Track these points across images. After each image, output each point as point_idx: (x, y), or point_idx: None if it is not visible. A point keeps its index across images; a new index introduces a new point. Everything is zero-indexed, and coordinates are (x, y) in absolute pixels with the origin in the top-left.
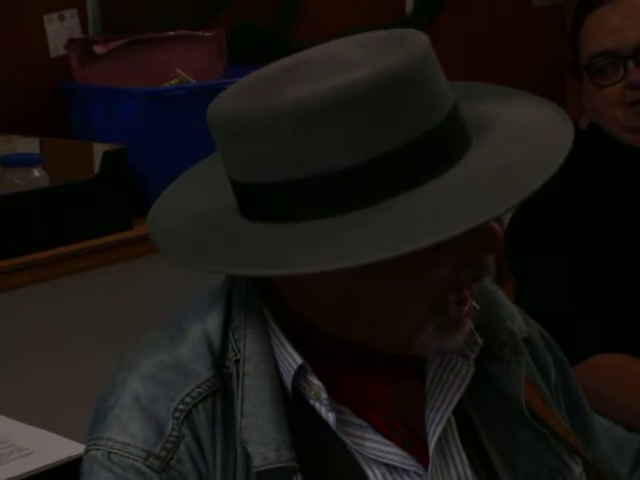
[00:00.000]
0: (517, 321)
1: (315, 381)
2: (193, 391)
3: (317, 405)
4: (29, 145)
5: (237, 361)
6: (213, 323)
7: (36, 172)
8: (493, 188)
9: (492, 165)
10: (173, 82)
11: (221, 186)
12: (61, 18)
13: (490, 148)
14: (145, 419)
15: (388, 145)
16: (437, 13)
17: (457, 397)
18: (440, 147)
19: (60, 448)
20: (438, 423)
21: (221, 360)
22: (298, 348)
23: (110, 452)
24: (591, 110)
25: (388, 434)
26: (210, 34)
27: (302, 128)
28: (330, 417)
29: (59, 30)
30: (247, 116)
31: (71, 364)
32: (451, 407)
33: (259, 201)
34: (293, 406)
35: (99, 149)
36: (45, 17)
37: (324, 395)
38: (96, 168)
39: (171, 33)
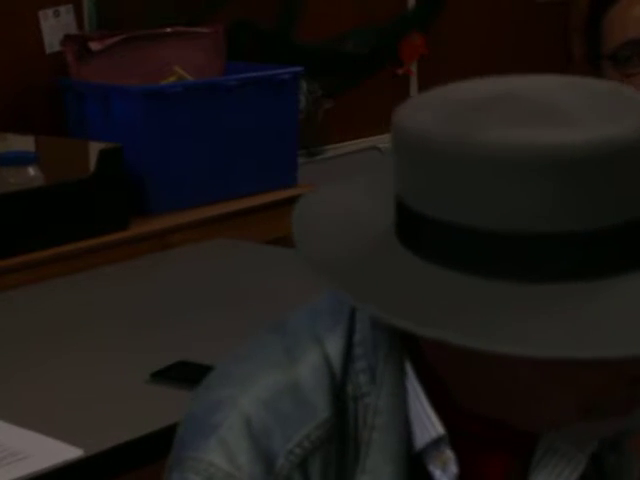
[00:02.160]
0: None
1: (449, 452)
2: (312, 434)
3: (437, 474)
4: (24, 143)
5: (355, 398)
6: (334, 349)
7: (31, 171)
8: None
9: None
10: (171, 79)
11: (378, 195)
12: (56, 14)
13: None
14: (255, 451)
15: (629, 213)
16: (439, 10)
17: None
18: None
19: (55, 452)
20: None
21: (338, 393)
22: (437, 413)
23: (211, 479)
24: None
25: None
26: (208, 31)
27: (549, 178)
28: None
29: (54, 26)
30: (481, 151)
31: (67, 365)
32: None
33: (451, 243)
34: (413, 468)
35: (95, 147)
36: (40, 13)
37: (454, 469)
38: (92, 167)
39: (168, 29)
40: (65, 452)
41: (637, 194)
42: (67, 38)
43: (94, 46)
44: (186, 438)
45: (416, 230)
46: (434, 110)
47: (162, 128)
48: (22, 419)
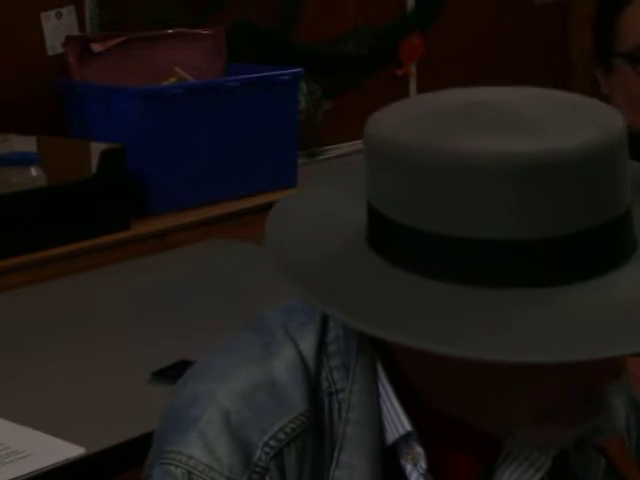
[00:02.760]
0: (622, 416)
1: (418, 448)
2: (287, 426)
3: (408, 468)
4: (26, 144)
5: (330, 394)
6: (307, 346)
7: (33, 171)
8: None
9: None
10: (172, 80)
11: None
12: (58, 16)
13: None
14: (233, 444)
15: (581, 223)
16: (438, 11)
17: None
18: (621, 237)
19: (57, 450)
20: None
21: (314, 389)
22: (405, 410)
23: (191, 473)
24: (624, 100)
25: None
26: (209, 32)
27: (516, 185)
28: None
29: (56, 28)
30: (449, 160)
31: (68, 365)
32: None
33: (410, 246)
34: (384, 461)
35: (97, 148)
36: (42, 14)
37: (423, 465)
38: (94, 167)
39: (169, 31)
40: (67, 450)
41: (589, 204)
42: (69, 39)
43: (96, 47)
44: (166, 432)
45: (381, 233)
46: (403, 118)
47: (163, 129)
48: (24, 418)
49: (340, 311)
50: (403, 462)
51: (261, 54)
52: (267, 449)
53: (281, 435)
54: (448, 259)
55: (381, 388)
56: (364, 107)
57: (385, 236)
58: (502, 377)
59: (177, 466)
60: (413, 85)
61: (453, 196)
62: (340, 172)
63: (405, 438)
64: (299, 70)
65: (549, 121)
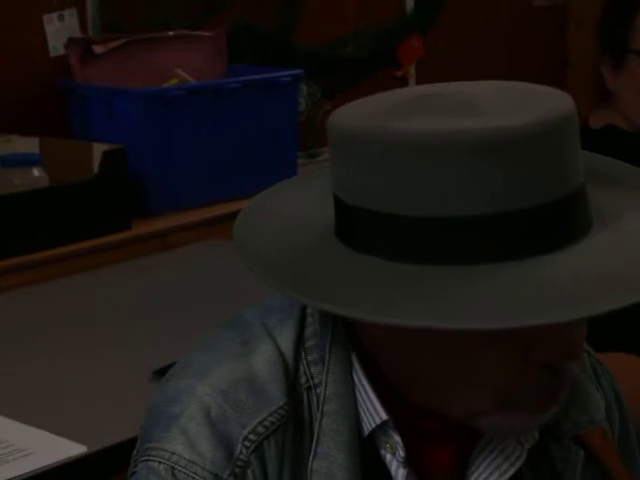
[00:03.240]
0: (601, 408)
1: (396, 437)
2: (266, 420)
3: (388, 457)
4: (29, 145)
5: (309, 388)
6: (286, 342)
7: (36, 172)
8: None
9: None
10: (173, 82)
11: (319, 190)
12: (60, 18)
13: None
14: (215, 439)
15: (534, 199)
16: (437, 13)
17: None
18: (577, 212)
19: (60, 448)
20: None
21: (293, 384)
22: (380, 399)
23: (174, 468)
24: (633, 96)
25: None
26: (210, 34)
27: (472, 163)
28: (400, 473)
29: (58, 30)
30: (419, 138)
31: (70, 364)
32: None
33: (376, 232)
34: (364, 452)
35: (99, 149)
36: (44, 17)
37: (401, 453)
38: (96, 168)
39: (171, 33)
40: (69, 448)
41: (538, 181)
42: (71, 41)
43: (97, 49)
44: (149, 430)
45: (345, 221)
46: (358, 109)
47: (164, 130)
48: (26, 416)
49: (290, 289)
50: (383, 452)
51: (261, 56)
52: (247, 443)
53: (260, 429)
54: (396, 238)
55: (356, 379)
56: None
57: (348, 223)
58: (461, 361)
59: (160, 462)
60: (412, 86)
61: (399, 176)
62: (315, 173)
63: (382, 427)
64: (299, 72)
65: (499, 103)
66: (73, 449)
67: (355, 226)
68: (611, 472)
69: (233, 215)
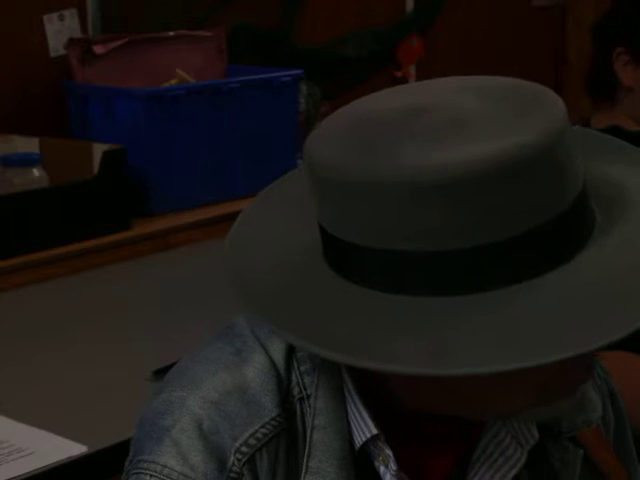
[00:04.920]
0: (597, 408)
1: (387, 450)
2: (257, 432)
3: (382, 469)
4: (29, 145)
5: (302, 399)
6: (277, 353)
7: (36, 172)
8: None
9: (626, 264)
10: (173, 82)
11: (300, 213)
12: (61, 18)
13: (623, 239)
14: (207, 451)
15: (516, 229)
16: (437, 13)
17: None
18: (571, 230)
19: (60, 448)
20: None
21: (285, 395)
22: (370, 411)
23: None
24: None
25: None
26: (210, 34)
27: (435, 199)
28: None
29: (59, 30)
30: (367, 177)
31: (71, 364)
32: None
33: (368, 265)
34: (357, 463)
35: (99, 149)
36: (45, 17)
37: (393, 466)
38: (96, 168)
39: (171, 33)
40: (69, 448)
41: (508, 213)
42: (71, 42)
43: (98, 49)
44: (140, 441)
45: (331, 249)
46: (345, 134)
47: (164, 130)
48: (27, 416)
49: (277, 325)
50: (377, 463)
51: (261, 56)
52: (239, 455)
53: (252, 441)
54: (373, 269)
55: (346, 392)
56: None
57: (332, 251)
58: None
59: (152, 475)
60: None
61: (374, 212)
62: (281, 189)
63: (373, 440)
64: (299, 72)
65: (483, 122)
66: (73, 449)
67: (350, 260)
68: (605, 471)
69: (233, 215)
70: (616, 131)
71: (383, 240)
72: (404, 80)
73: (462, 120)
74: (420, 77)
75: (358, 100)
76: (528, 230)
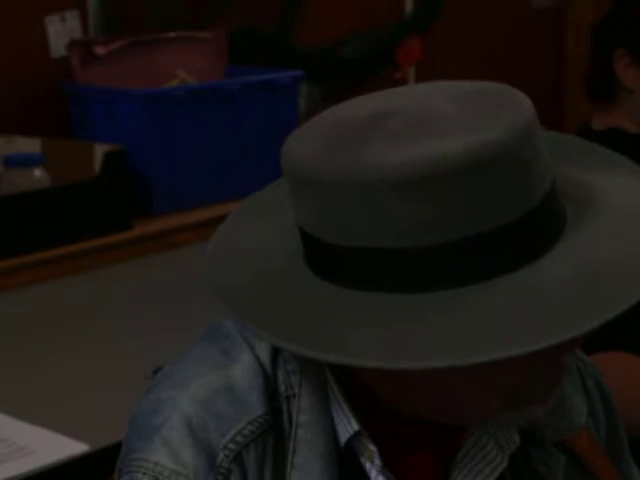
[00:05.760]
0: (582, 412)
1: (371, 446)
2: (245, 428)
3: (368, 465)
4: (30, 145)
5: (288, 397)
6: (263, 352)
7: (37, 172)
8: (598, 291)
9: (596, 258)
10: (174, 83)
11: (281, 219)
12: (62, 19)
13: (594, 234)
14: (197, 448)
15: (484, 225)
16: (436, 14)
17: None
18: (541, 227)
19: (61, 447)
20: None
21: (272, 394)
22: (353, 409)
23: (158, 478)
24: None
25: None
26: (211, 35)
27: (400, 196)
28: None
29: (60, 31)
30: (339, 176)
31: (72, 363)
32: None
33: (344, 264)
34: (343, 460)
35: (100, 150)
36: (46, 18)
37: (377, 461)
38: (97, 169)
39: (172, 34)
40: (70, 447)
41: (483, 208)
42: (73, 43)
43: (99, 51)
44: (131, 441)
45: (308, 250)
46: (320, 136)
47: (165, 130)
48: (28, 415)
49: (295, 345)
50: (362, 460)
51: (262, 57)
52: (227, 452)
53: (239, 438)
54: (361, 269)
55: (329, 391)
56: None
57: (313, 253)
58: (464, 374)
59: (144, 473)
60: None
61: (343, 210)
62: (264, 197)
63: (357, 437)
64: (299, 73)
65: (450, 121)
66: (74, 447)
67: (328, 259)
68: (596, 474)
69: None
70: (617, 133)
71: (353, 238)
72: (403, 81)
73: (430, 120)
74: (419, 78)
75: (334, 106)
76: (495, 227)
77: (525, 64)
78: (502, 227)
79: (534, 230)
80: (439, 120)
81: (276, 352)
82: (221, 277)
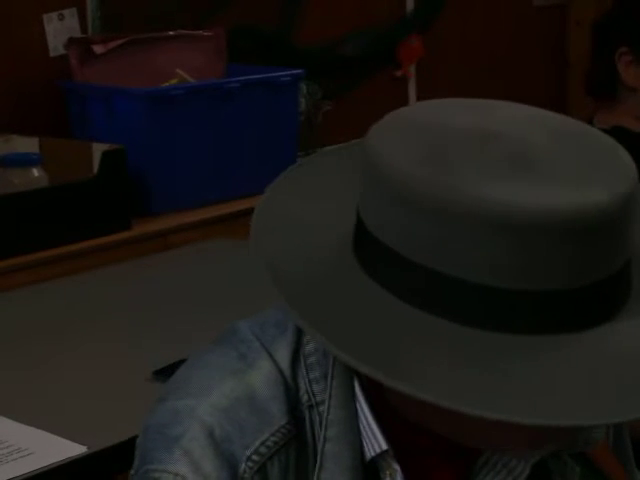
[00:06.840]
0: (601, 429)
1: (394, 465)
2: (268, 440)
3: None
4: (28, 145)
5: (310, 406)
6: (283, 359)
7: (35, 172)
8: None
9: None
10: (173, 82)
11: (333, 201)
12: (60, 17)
13: None
14: (219, 459)
15: (593, 276)
16: (437, 13)
17: None
18: (618, 290)
19: (59, 449)
20: None
21: (294, 403)
22: (380, 425)
23: None
24: None
25: None
26: (210, 34)
27: (493, 234)
28: None
29: (58, 29)
30: (436, 200)
31: (71, 364)
32: None
33: (412, 280)
34: (365, 474)
35: (98, 149)
36: (44, 16)
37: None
38: (95, 168)
39: (171, 33)
40: (69, 449)
41: (593, 263)
42: (71, 41)
43: (97, 49)
44: (148, 451)
45: (374, 256)
46: (409, 149)
47: (164, 129)
48: (27, 417)
49: (329, 342)
50: (383, 476)
51: (262, 55)
52: (250, 463)
53: (263, 449)
54: (437, 295)
55: (357, 405)
56: (364, 108)
57: (378, 260)
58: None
59: None
60: (412, 87)
61: (477, 244)
62: (310, 170)
63: (382, 455)
64: (299, 71)
65: (565, 167)
66: (73, 449)
67: (400, 274)
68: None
69: (233, 215)
70: (621, 132)
71: (446, 265)
72: (404, 80)
73: (531, 157)
74: (420, 77)
75: (422, 104)
76: (590, 283)
77: (526, 62)
78: (608, 278)
79: (620, 290)
80: (540, 158)
81: (295, 359)
82: (272, 262)
